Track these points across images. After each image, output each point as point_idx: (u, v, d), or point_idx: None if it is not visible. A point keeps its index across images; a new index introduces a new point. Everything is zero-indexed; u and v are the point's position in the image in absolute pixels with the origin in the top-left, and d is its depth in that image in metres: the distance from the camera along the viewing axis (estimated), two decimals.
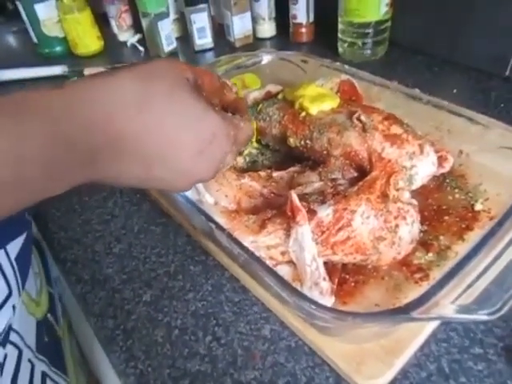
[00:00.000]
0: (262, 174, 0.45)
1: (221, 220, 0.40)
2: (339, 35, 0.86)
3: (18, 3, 1.01)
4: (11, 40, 1.22)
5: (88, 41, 1.05)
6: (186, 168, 0.31)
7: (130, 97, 0.27)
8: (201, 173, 0.32)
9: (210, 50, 1.02)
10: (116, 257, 0.52)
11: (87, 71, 0.93)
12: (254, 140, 0.52)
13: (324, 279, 0.37)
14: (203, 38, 1.00)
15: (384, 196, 0.39)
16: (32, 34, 1.06)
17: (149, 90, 0.28)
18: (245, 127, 0.36)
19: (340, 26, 0.84)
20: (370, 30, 0.80)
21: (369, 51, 0.83)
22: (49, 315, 0.52)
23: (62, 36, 1.06)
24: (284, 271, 0.38)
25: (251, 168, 0.50)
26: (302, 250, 0.36)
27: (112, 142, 0.27)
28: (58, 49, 1.08)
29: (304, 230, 0.36)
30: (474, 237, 0.42)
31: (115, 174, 0.29)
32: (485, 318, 0.29)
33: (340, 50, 0.87)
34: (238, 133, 0.34)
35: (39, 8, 1.02)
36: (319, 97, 0.48)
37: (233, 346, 0.41)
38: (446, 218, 0.45)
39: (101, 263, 0.52)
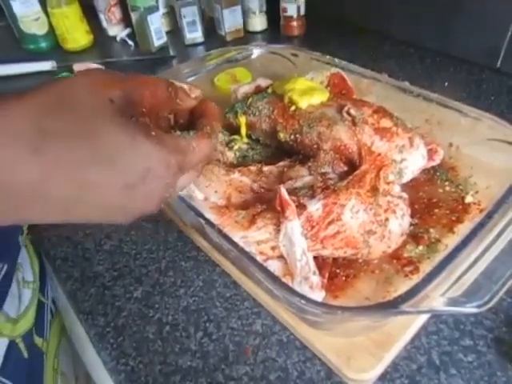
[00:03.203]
0: (252, 168, 0.44)
1: (211, 216, 0.39)
2: None
3: None
4: None
5: (77, 35, 1.04)
6: (116, 205, 0.27)
7: (21, 135, 0.22)
8: (138, 207, 0.28)
9: (200, 44, 1.01)
10: (106, 253, 0.52)
11: (76, 67, 0.92)
12: (244, 135, 0.52)
13: (314, 273, 0.36)
14: (194, 32, 0.99)
15: (374, 190, 0.39)
16: (14, 30, 1.05)
17: (49, 124, 0.23)
18: (200, 146, 0.30)
19: None
20: None
21: None
22: (33, 329, 0.51)
23: (41, 33, 1.05)
24: (274, 266, 0.38)
25: (241, 163, 0.49)
26: (291, 244, 0.36)
27: (4, 190, 0.23)
28: (44, 44, 1.06)
29: (294, 225, 0.36)
30: (464, 229, 0.42)
31: (27, 218, 0.26)
32: (474, 310, 0.29)
33: None
34: (187, 157, 0.29)
35: (16, 5, 1.00)
36: (308, 90, 0.47)
37: (224, 342, 0.41)
38: (437, 210, 0.45)
39: (91, 260, 0.51)
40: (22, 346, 0.48)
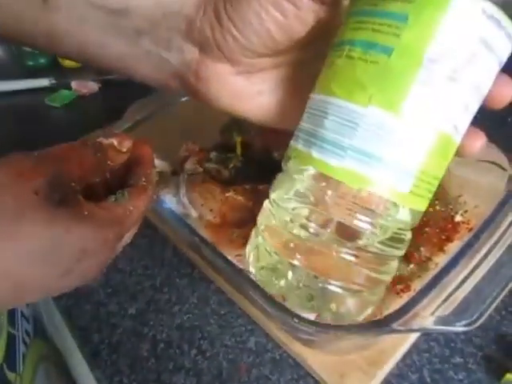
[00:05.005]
0: (247, 187, 0.45)
1: (206, 234, 0.40)
2: None
3: None
4: None
5: None
6: (56, 288, 0.26)
7: None
8: (80, 281, 0.27)
9: None
10: None
11: (74, 84, 0.93)
12: (239, 153, 0.53)
13: None
14: None
15: None
16: (13, 46, 1.06)
17: None
18: (137, 205, 0.28)
19: None
20: None
21: None
22: (4, 365, 0.50)
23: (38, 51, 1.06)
24: None
25: (237, 181, 0.50)
26: None
27: None
28: (43, 61, 1.08)
29: None
30: (453, 248, 0.42)
31: None
32: (462, 329, 0.30)
33: None
34: (125, 224, 0.27)
35: None
36: None
37: (218, 359, 0.41)
38: (427, 229, 0.46)
39: None
40: None
